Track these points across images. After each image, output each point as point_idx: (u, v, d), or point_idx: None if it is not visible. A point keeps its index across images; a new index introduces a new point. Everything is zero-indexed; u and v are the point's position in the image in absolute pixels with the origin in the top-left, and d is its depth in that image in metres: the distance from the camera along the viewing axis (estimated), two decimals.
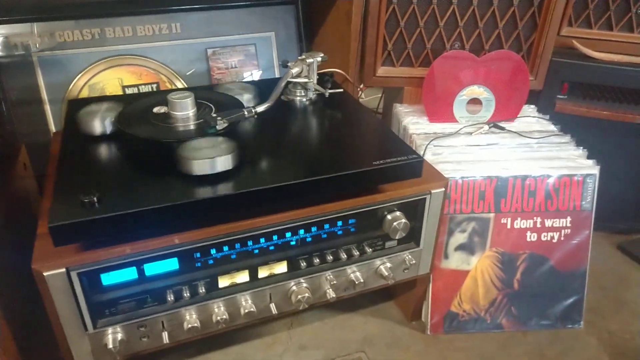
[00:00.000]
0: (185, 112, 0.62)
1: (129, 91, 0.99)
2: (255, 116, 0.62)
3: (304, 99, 0.77)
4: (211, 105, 0.66)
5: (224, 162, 0.55)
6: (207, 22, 1.04)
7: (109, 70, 0.99)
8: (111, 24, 0.98)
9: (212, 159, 0.54)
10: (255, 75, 1.08)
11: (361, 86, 1.52)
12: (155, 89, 1.01)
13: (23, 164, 0.79)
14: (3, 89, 0.89)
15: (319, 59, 0.74)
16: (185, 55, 1.03)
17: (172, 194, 0.53)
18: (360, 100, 1.57)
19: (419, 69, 0.94)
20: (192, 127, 0.62)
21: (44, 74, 0.94)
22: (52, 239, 0.48)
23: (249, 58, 1.09)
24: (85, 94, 0.97)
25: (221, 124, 0.58)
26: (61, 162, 0.59)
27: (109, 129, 0.66)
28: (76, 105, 0.72)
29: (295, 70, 0.73)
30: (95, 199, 0.50)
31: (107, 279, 0.54)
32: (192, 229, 0.57)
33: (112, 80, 0.99)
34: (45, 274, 0.50)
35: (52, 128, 0.95)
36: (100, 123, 0.65)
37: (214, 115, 0.58)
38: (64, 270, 0.51)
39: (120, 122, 0.63)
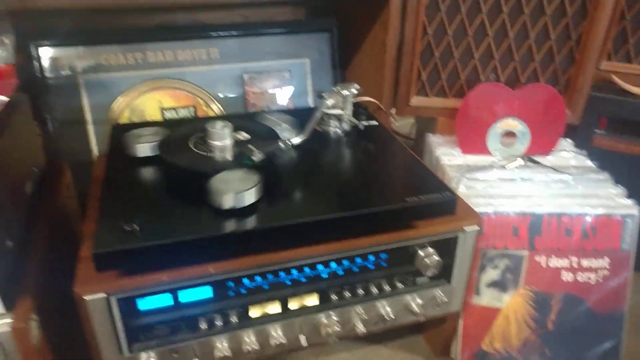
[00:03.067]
0: (222, 141, 0.63)
1: (167, 113, 1.03)
2: (291, 148, 0.63)
3: (338, 130, 0.78)
4: (248, 134, 0.68)
5: (249, 196, 0.57)
6: (243, 48, 1.07)
7: (149, 93, 1.02)
8: (153, 49, 1.02)
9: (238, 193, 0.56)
10: (288, 95, 1.10)
11: (393, 112, 1.52)
12: (192, 112, 1.04)
13: (66, 184, 0.82)
14: (50, 109, 0.93)
15: (355, 91, 0.75)
16: (222, 80, 1.06)
17: (207, 225, 0.55)
18: (393, 126, 1.57)
19: (453, 100, 0.94)
20: (228, 157, 0.64)
21: (89, 95, 0.98)
22: (95, 265, 0.50)
23: (283, 83, 1.11)
24: (126, 115, 1.00)
25: (257, 156, 0.59)
26: (105, 190, 0.61)
27: (152, 151, 0.70)
28: (120, 130, 0.75)
29: (330, 102, 0.74)
30: (137, 227, 0.52)
31: (144, 304, 0.55)
32: (226, 259, 0.58)
33: (151, 102, 1.02)
34: (86, 297, 0.52)
35: (94, 148, 0.98)
36: (144, 146, 0.70)
37: (250, 146, 0.60)
38: (104, 295, 0.53)
39: (162, 150, 0.65)
